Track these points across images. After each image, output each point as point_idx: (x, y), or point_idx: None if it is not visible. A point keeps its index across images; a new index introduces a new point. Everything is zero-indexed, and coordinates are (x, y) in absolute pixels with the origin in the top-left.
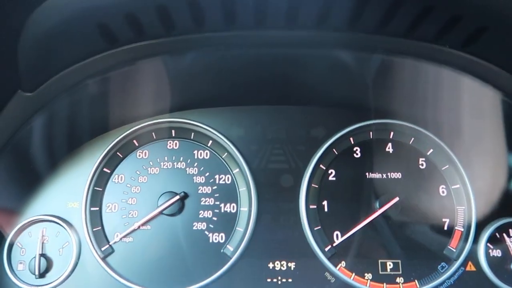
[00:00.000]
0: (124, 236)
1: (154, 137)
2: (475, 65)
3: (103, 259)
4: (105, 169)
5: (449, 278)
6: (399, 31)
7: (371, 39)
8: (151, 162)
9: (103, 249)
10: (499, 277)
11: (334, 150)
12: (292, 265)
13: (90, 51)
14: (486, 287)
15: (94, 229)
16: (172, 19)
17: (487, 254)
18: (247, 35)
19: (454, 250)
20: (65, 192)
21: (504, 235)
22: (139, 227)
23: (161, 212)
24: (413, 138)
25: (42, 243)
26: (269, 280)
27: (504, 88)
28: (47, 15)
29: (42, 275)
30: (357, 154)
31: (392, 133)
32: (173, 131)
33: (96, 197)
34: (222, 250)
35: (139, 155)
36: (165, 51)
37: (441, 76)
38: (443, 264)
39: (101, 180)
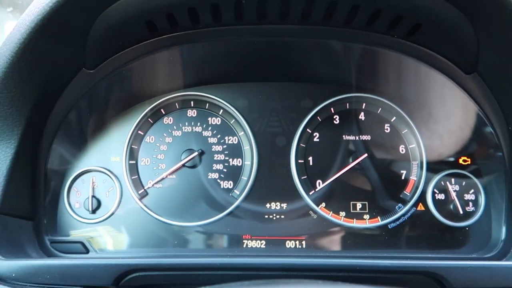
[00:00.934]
0: (155, 183)
1: (177, 107)
2: (419, 51)
3: (140, 199)
4: (139, 132)
5: (403, 215)
6: (361, 26)
7: (342, 32)
8: (175, 127)
9: (139, 192)
10: (441, 214)
11: (318, 117)
12: (284, 205)
13: (137, 39)
14: (431, 222)
15: (132, 177)
16: (199, 17)
17: (433, 197)
18: (251, 28)
19: (408, 194)
20: (109, 149)
21: (447, 183)
22: (166, 176)
23: (183, 165)
24: (380, 108)
25: (93, 187)
26: (266, 216)
27: (442, 69)
28: (113, 15)
29: (93, 211)
30: (336, 121)
31: (364, 104)
32: (192, 102)
33: (133, 153)
34: (230, 194)
35: (166, 121)
36: (191, 40)
37: (397, 60)
38: (400, 205)
39: (136, 140)
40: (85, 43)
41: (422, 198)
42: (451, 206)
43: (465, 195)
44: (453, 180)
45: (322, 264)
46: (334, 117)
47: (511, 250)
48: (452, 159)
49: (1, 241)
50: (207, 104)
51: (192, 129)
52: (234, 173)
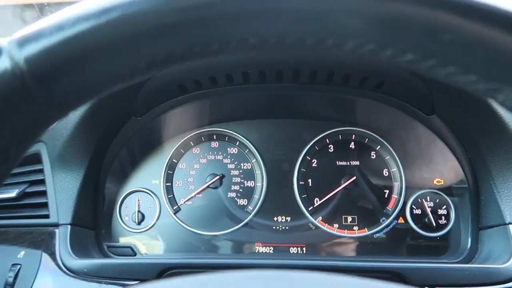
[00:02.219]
0: (186, 201)
1: (203, 140)
2: (388, 99)
3: (174, 214)
4: (174, 160)
5: (386, 226)
6: (338, 83)
7: (324, 87)
8: (201, 155)
9: (174, 208)
10: (418, 226)
11: (316, 147)
12: (288, 218)
13: (172, 95)
14: (409, 232)
15: (168, 196)
16: (217, 80)
17: (411, 212)
18: (256, 86)
19: (391, 210)
20: (151, 174)
21: (423, 200)
22: (195, 195)
23: (208, 186)
24: (367, 139)
25: (138, 204)
26: (274, 227)
27: (407, 111)
28: (155, 81)
29: (139, 223)
30: (330, 149)
31: (354, 136)
32: (214, 136)
33: (169, 177)
34: (245, 209)
35: (194, 151)
36: (212, 95)
37: (373, 105)
38: (383, 218)
39: (171, 167)
40: (135, 100)
41: (402, 213)
42: (426, 220)
43: (439, 210)
44: (428, 197)
45: (313, 264)
46: (329, 146)
47: (475, 255)
48: (427, 180)
49: (74, 246)
50: (227, 137)
51: (215, 157)
52: (248, 193)
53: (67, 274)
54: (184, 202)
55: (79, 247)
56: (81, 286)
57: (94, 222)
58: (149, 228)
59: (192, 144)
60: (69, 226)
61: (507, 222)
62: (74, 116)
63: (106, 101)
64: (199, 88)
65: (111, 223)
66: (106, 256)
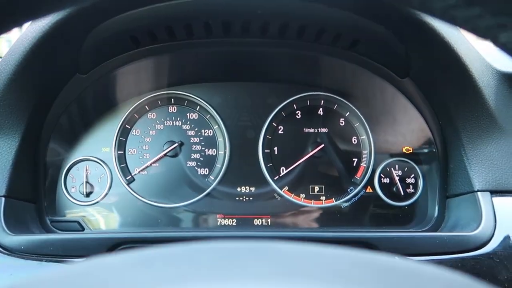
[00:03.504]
0: (141, 170)
1: (160, 104)
2: (361, 59)
3: (127, 184)
4: (126, 126)
5: (354, 196)
6: (310, 40)
7: (294, 43)
8: (157, 121)
9: (127, 178)
10: (386, 196)
11: (282, 112)
12: (252, 189)
13: (123, 49)
14: (378, 202)
15: (120, 166)
16: (174, 32)
17: (379, 181)
18: (219, 41)
19: (359, 179)
20: (101, 141)
21: (392, 168)
22: (150, 164)
23: (165, 155)
24: (336, 105)
25: (86, 174)
26: (237, 198)
27: (380, 73)
28: (102, 31)
29: (87, 195)
30: (298, 115)
31: (322, 101)
32: (172, 100)
33: (121, 145)
34: (206, 179)
35: (150, 116)
36: (169, 50)
37: (344, 66)
38: (351, 187)
39: (124, 133)
40: (79, 54)
41: (370, 182)
42: (394, 188)
43: (407, 179)
44: (397, 166)
45: (278, 235)
46: (297, 112)
47: (442, 224)
48: (396, 148)
49: (10, 221)
50: (186, 101)
51: (173, 123)
52: (209, 161)
53: (0, 252)
54: (139, 172)
55: (15, 222)
56: (18, 264)
57: (34, 194)
58: (99, 201)
59: (148, 109)
60: (3, 199)
61: (476, 190)
62: (5, 71)
63: (41, 54)
64: (154, 41)
65: (55, 196)
66: (49, 231)
